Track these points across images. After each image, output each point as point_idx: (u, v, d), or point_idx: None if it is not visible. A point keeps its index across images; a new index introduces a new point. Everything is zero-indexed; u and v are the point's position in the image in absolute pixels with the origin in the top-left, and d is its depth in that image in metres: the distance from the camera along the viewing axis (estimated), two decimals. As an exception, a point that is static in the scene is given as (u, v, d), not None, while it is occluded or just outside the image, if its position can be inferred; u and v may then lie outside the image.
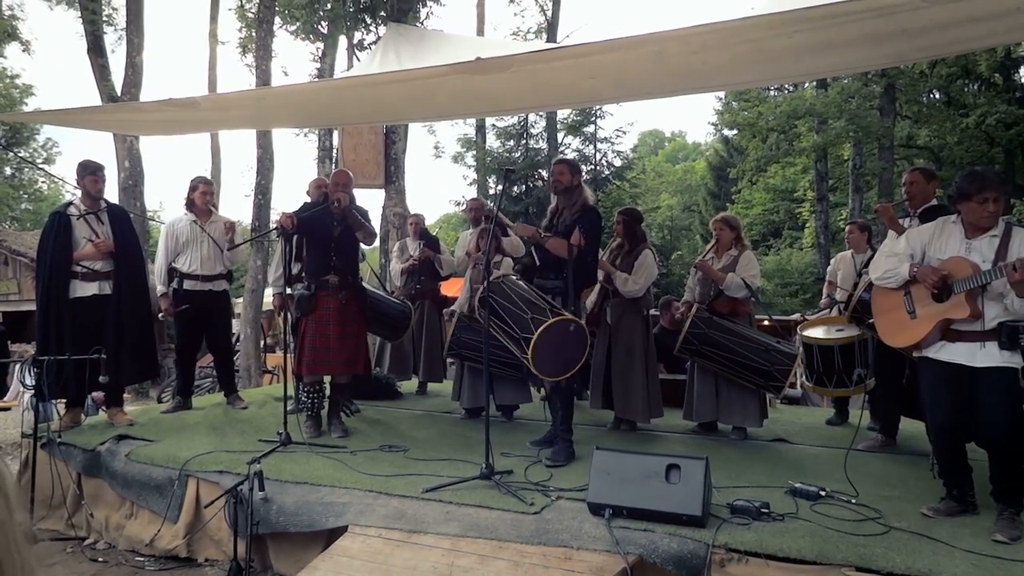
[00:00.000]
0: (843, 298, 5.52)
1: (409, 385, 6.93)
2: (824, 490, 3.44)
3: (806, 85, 18.68)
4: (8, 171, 33.61)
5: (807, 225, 24.68)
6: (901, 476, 3.95)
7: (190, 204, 5.53)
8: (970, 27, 3.34)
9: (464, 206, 17.63)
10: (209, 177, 5.66)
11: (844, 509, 3.26)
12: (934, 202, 4.35)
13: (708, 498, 3.10)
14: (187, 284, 5.40)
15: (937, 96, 19.48)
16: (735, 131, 25.17)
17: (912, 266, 3.27)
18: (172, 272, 5.40)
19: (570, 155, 22.91)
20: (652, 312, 5.45)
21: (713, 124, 33.22)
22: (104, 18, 16.08)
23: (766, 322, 7.22)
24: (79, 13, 15.08)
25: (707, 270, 5.01)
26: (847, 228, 5.85)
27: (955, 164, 17.97)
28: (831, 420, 5.57)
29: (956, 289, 3.11)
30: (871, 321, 4.23)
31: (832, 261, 6.07)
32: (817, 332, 5.10)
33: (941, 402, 3.19)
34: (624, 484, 3.13)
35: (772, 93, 21.09)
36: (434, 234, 7.02)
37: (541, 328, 3.77)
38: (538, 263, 4.19)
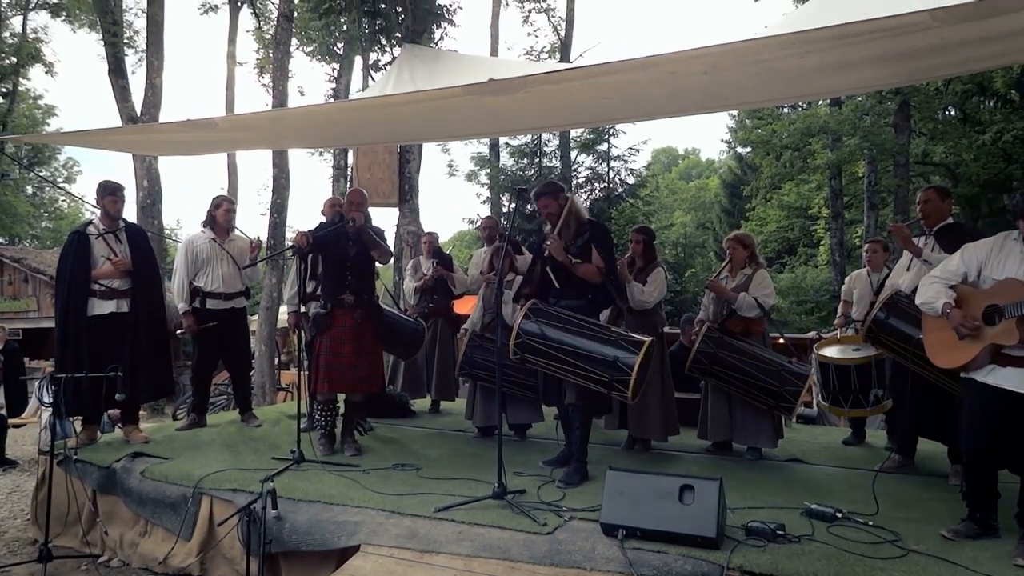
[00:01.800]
0: (860, 317, 5.47)
1: (422, 403, 6.93)
2: (841, 511, 3.39)
3: (820, 103, 18.66)
4: (30, 190, 34.23)
5: (822, 242, 24.56)
6: (919, 497, 3.89)
7: (211, 221, 5.59)
8: (984, 46, 3.33)
9: (478, 224, 17.71)
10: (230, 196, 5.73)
11: (861, 531, 3.22)
12: (949, 220, 4.31)
13: (723, 519, 3.07)
14: (210, 303, 5.44)
15: (952, 113, 19.36)
16: (749, 149, 25.17)
17: (947, 304, 3.13)
18: (194, 291, 5.44)
19: (583, 173, 22.98)
20: (665, 331, 5.42)
21: (727, 142, 33.25)
22: (125, 40, 16.42)
23: (781, 340, 7.17)
24: (101, 36, 15.41)
25: (719, 290, 4.99)
26: (868, 247, 5.74)
27: (971, 181, 17.82)
28: (848, 440, 5.50)
29: (1007, 313, 2.94)
30: (886, 340, 4.21)
31: (847, 280, 6.00)
32: (833, 351, 5.06)
33: (981, 428, 3.07)
34: (637, 505, 3.10)
35: (786, 111, 21.09)
36: (447, 252, 7.05)
37: (642, 353, 3.81)
38: (558, 285, 4.16)
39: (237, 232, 5.72)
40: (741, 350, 4.76)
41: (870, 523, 3.29)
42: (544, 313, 4.05)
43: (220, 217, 5.56)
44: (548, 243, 4.11)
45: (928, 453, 4.64)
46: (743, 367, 4.69)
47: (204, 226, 5.61)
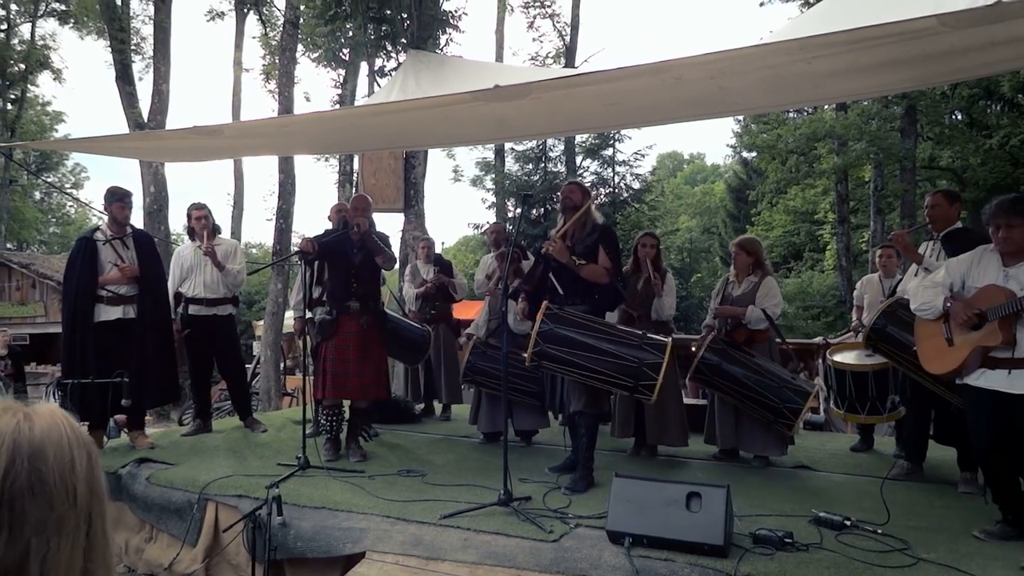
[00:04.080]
0: (871, 323, 5.43)
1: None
2: (849, 519, 3.36)
3: (826, 107, 18.60)
4: (37, 195, 34.41)
5: (828, 247, 24.46)
6: (929, 505, 3.86)
7: (191, 232, 5.63)
8: (992, 51, 3.31)
9: (484, 229, 17.67)
10: (202, 202, 5.68)
11: (870, 540, 3.19)
12: (958, 225, 4.29)
13: (730, 527, 3.05)
14: (192, 309, 5.45)
15: (959, 117, 19.29)
16: (754, 153, 25.11)
17: (946, 300, 3.31)
18: (178, 297, 5.46)
19: (588, 178, 22.97)
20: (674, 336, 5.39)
21: (732, 146, 33.21)
22: (132, 47, 16.49)
23: (784, 345, 7.12)
24: (108, 42, 15.49)
25: (728, 313, 4.93)
26: (883, 252, 5.66)
27: (979, 186, 17.73)
28: (856, 447, 5.45)
29: (990, 316, 3.12)
30: (884, 348, 4.20)
31: (858, 285, 5.96)
32: (848, 357, 5.00)
33: (982, 430, 3.21)
34: (644, 512, 3.08)
35: (791, 115, 21.03)
36: (448, 258, 7.08)
37: (666, 360, 3.81)
38: (561, 291, 4.14)
39: (221, 237, 5.74)
40: (744, 363, 4.70)
41: (879, 531, 3.26)
42: (561, 318, 3.98)
43: (195, 225, 5.56)
44: (548, 245, 4.07)
45: (937, 461, 4.60)
46: (745, 380, 4.64)
47: (189, 236, 5.65)
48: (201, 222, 5.55)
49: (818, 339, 8.43)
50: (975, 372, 3.20)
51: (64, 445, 0.78)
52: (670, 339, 3.98)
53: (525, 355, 4.03)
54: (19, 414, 0.78)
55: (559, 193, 4.47)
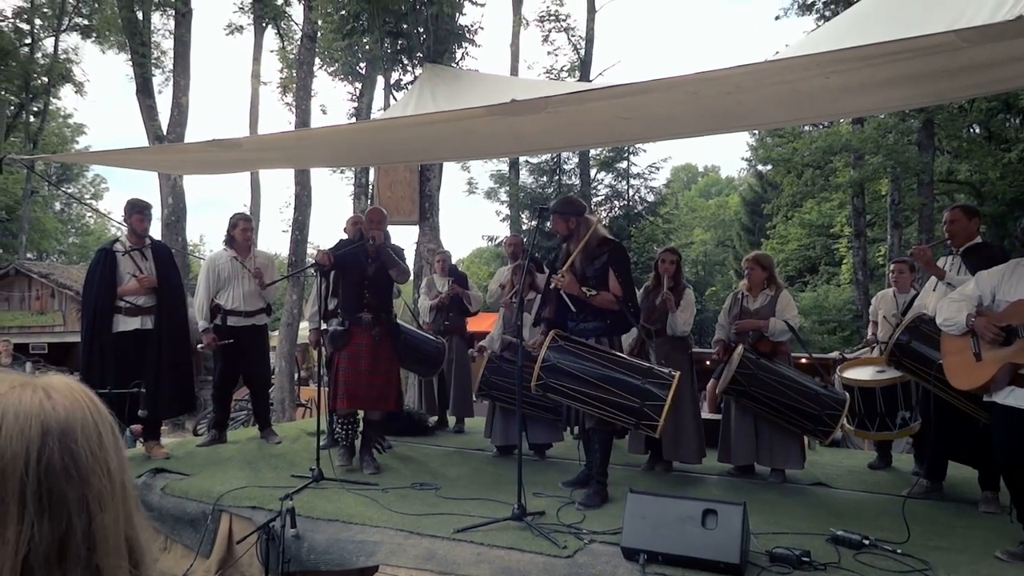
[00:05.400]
0: (886, 338, 5.37)
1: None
2: (868, 538, 3.32)
3: (842, 121, 18.52)
4: (58, 206, 34.90)
5: (844, 261, 24.29)
6: (949, 524, 3.79)
7: (230, 240, 5.63)
8: (1012, 66, 3.29)
9: (500, 241, 17.67)
10: (248, 213, 5.76)
11: (889, 559, 3.14)
12: (977, 240, 4.24)
13: (746, 545, 3.02)
14: (231, 320, 5.47)
15: (977, 130, 19.13)
16: (769, 166, 25.03)
17: (970, 316, 3.22)
18: (215, 308, 5.48)
19: (603, 191, 22.98)
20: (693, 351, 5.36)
21: (747, 159, 33.11)
22: (152, 61, 16.74)
23: (804, 360, 7.06)
24: (130, 56, 15.73)
25: (749, 326, 4.91)
26: (895, 267, 5.63)
27: (997, 200, 17.56)
28: (873, 464, 5.39)
29: (1021, 333, 3.03)
30: (908, 364, 4.15)
31: (873, 300, 5.90)
32: (858, 373, 4.98)
33: (1008, 448, 3.13)
34: (659, 529, 3.06)
35: (807, 128, 20.95)
36: (462, 270, 7.08)
37: (669, 400, 3.76)
38: (573, 308, 4.14)
39: (258, 250, 5.77)
40: (778, 372, 4.68)
41: (899, 551, 3.21)
42: (566, 350, 3.95)
43: (238, 236, 5.59)
44: (558, 280, 4.07)
45: (957, 479, 4.53)
46: (782, 389, 4.61)
47: (226, 245, 5.66)
48: (246, 234, 5.60)
49: (834, 354, 8.33)
50: (1004, 390, 3.10)
51: (89, 420, 0.78)
52: (678, 373, 3.93)
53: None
54: (39, 391, 0.77)
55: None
